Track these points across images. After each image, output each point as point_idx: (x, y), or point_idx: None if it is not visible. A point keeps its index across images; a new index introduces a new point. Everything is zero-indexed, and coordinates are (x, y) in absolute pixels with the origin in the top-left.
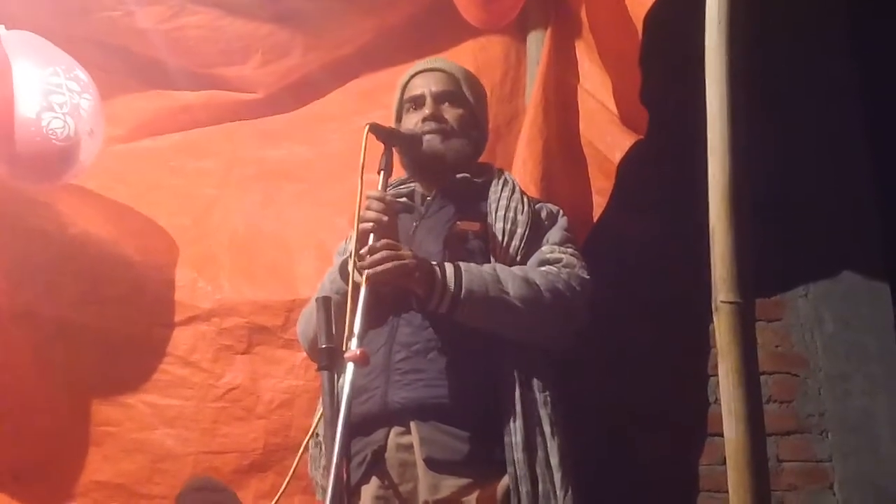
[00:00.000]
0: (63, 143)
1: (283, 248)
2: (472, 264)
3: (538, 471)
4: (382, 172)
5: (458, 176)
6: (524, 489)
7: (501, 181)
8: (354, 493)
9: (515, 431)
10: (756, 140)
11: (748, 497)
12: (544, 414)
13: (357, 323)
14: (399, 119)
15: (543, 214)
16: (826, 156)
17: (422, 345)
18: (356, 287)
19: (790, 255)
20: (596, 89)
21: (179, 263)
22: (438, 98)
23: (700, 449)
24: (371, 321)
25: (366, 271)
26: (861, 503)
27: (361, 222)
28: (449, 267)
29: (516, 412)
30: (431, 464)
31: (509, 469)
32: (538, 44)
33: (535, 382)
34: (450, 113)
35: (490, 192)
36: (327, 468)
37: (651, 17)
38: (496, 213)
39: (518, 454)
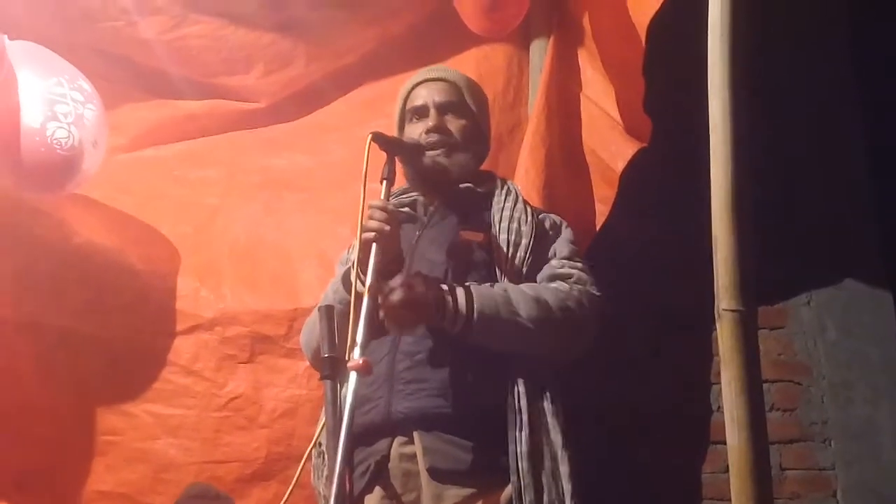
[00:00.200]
0: (67, 153)
1: (286, 257)
2: (484, 286)
3: (544, 480)
4: (385, 182)
5: (461, 186)
6: (528, 498)
7: (504, 191)
8: (357, 502)
9: (521, 441)
10: (758, 148)
11: None
12: (553, 423)
13: (360, 332)
14: (401, 129)
15: (547, 224)
16: (828, 164)
17: (425, 354)
18: (359, 297)
19: (793, 263)
20: (599, 97)
21: (182, 272)
22: (441, 109)
23: (703, 457)
24: (374, 331)
25: (384, 310)
26: None
27: (364, 231)
28: (460, 291)
29: (522, 421)
30: (435, 474)
31: (513, 478)
32: (541, 52)
33: (543, 392)
34: (453, 124)
35: (493, 203)
36: (330, 478)
37: (654, 26)
38: (500, 224)
39: (523, 463)
